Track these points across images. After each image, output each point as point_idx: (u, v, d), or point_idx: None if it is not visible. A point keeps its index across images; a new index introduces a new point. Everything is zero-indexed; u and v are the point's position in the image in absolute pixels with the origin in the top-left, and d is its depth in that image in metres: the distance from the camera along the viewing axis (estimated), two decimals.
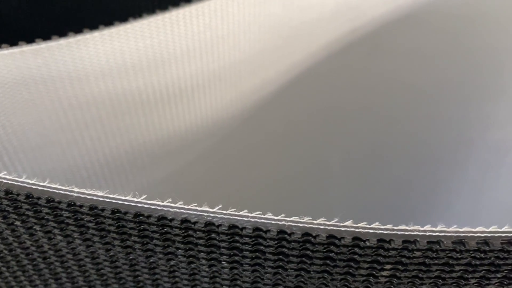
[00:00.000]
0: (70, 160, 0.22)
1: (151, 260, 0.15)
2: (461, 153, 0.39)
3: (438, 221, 0.49)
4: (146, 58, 0.20)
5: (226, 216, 0.13)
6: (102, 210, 0.13)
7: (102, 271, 0.15)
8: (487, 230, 0.12)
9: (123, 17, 0.19)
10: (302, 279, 0.14)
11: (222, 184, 0.27)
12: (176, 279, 0.15)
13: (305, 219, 0.12)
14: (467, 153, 0.39)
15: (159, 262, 0.14)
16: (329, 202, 0.37)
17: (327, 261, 0.13)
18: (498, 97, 0.35)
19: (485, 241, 0.12)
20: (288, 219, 0.12)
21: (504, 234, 0.12)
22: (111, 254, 0.14)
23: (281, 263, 0.13)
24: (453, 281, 0.13)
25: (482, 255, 0.12)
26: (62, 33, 0.18)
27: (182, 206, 0.13)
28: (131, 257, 0.14)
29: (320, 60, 0.28)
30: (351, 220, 0.12)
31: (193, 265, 0.14)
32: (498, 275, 0.14)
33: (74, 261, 0.15)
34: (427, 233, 0.12)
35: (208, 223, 0.13)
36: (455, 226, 0.13)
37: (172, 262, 0.14)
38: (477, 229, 0.13)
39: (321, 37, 0.27)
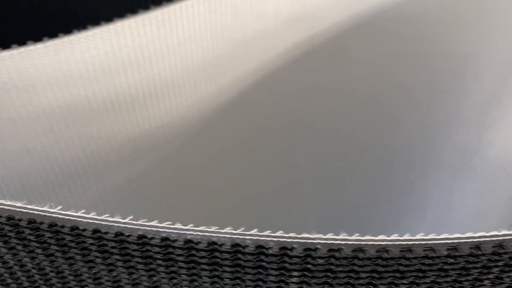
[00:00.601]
0: (24, 169, 0.22)
1: (133, 277, 0.15)
2: (431, 157, 0.40)
3: (411, 225, 0.50)
4: (93, 68, 0.21)
5: (182, 232, 0.13)
6: (83, 230, 0.13)
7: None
8: (387, 238, 0.12)
9: (67, 29, 0.19)
10: None
11: (181, 191, 0.28)
12: None
13: (213, 228, 0.12)
14: (436, 157, 0.40)
15: (141, 279, 0.15)
16: (297, 208, 0.37)
17: (257, 270, 0.13)
18: (461, 102, 0.36)
19: (385, 249, 0.12)
20: (196, 229, 0.13)
21: (401, 242, 0.12)
22: (93, 272, 0.14)
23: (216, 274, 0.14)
24: None
25: (384, 262, 0.13)
26: (5, 46, 0.18)
27: (140, 222, 0.13)
28: (114, 274, 0.14)
29: (278, 67, 0.29)
30: (256, 229, 0.12)
31: (154, 278, 0.15)
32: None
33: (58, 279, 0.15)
34: (329, 241, 0.12)
35: (164, 239, 0.13)
36: (407, 234, 0.14)
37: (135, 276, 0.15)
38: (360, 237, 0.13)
39: (278, 45, 0.28)
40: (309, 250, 0.12)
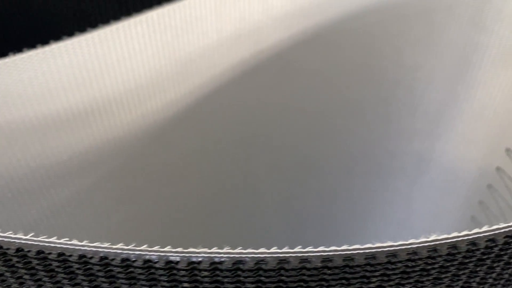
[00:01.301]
0: None
1: None
2: (389, 165, 0.41)
3: (376, 232, 0.51)
4: (31, 89, 0.22)
5: (119, 251, 0.13)
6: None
7: None
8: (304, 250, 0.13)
9: (1, 53, 0.20)
10: None
11: (130, 205, 0.28)
12: None
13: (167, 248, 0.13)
14: (394, 165, 0.41)
15: None
16: (257, 220, 0.38)
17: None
18: (412, 112, 0.37)
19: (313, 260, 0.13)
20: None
21: (365, 250, 0.13)
22: None
23: None
24: None
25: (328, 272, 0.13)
26: None
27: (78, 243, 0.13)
28: None
29: (226, 82, 0.30)
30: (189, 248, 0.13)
31: None
32: None
33: None
34: (255, 255, 0.13)
35: (103, 258, 0.13)
36: (369, 244, 0.14)
37: None
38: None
39: (224, 61, 0.28)
40: (261, 263, 0.13)
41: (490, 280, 0.16)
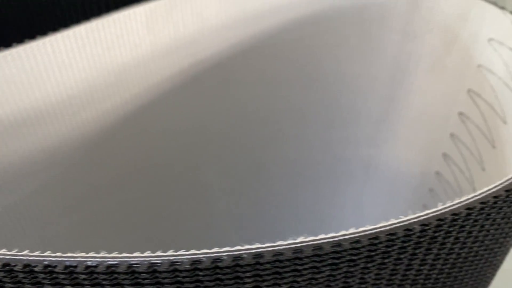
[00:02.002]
0: None
1: None
2: (339, 171, 0.42)
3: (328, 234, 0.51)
4: None
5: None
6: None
7: None
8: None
9: None
10: None
11: (73, 212, 0.29)
12: None
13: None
14: (344, 170, 0.42)
15: None
16: (207, 224, 0.39)
17: None
18: (357, 119, 0.38)
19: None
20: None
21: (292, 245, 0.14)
22: None
23: None
24: None
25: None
26: None
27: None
28: None
29: (164, 91, 0.30)
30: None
31: None
32: None
33: None
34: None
35: (47, 266, 0.14)
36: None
37: None
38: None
39: (161, 70, 0.29)
40: (198, 263, 0.14)
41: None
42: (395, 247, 0.16)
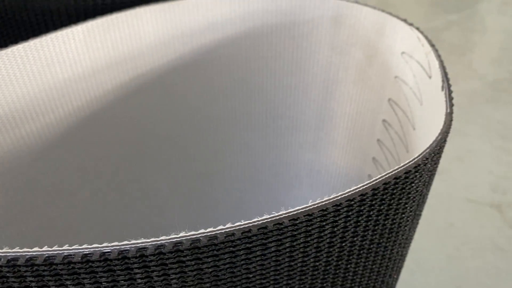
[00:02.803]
0: None
1: None
2: (286, 174, 0.44)
3: None
4: None
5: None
6: None
7: None
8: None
9: None
10: None
11: (22, 220, 0.31)
12: None
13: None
14: (290, 174, 0.44)
15: None
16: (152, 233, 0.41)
17: None
18: (298, 126, 0.40)
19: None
20: None
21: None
22: None
23: None
24: None
25: None
26: None
27: None
28: None
29: (107, 103, 0.32)
30: None
31: None
32: None
33: None
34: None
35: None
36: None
37: None
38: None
39: (103, 84, 0.31)
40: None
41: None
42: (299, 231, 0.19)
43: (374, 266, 0.23)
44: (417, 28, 0.29)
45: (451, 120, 0.23)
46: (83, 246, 0.16)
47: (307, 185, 0.44)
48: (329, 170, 0.42)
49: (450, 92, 0.24)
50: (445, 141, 0.23)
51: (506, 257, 0.78)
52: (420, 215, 0.25)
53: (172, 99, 0.35)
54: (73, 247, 0.16)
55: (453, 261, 0.78)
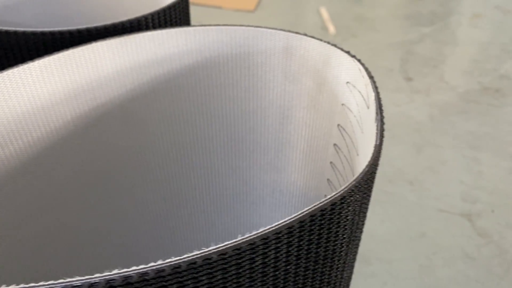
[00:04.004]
0: None
1: None
2: (250, 194, 0.46)
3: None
4: None
5: None
6: None
7: None
8: None
9: None
10: None
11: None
12: None
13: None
14: (254, 193, 0.45)
15: None
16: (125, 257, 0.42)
17: None
18: (259, 149, 0.42)
19: None
20: None
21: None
22: None
23: None
24: None
25: None
26: None
27: None
28: None
29: (68, 133, 0.34)
30: None
31: None
32: None
33: None
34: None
35: None
36: None
37: None
38: None
39: (62, 116, 0.32)
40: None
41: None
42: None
43: None
44: (359, 60, 0.31)
45: (379, 151, 0.24)
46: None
47: (270, 204, 0.45)
48: (290, 190, 0.43)
49: (382, 124, 0.25)
50: (373, 172, 0.24)
51: (476, 265, 0.80)
52: (357, 239, 0.27)
53: (133, 127, 0.37)
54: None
55: (425, 270, 0.80)
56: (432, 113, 1.06)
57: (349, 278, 0.28)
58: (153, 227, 0.44)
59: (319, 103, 0.36)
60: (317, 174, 0.39)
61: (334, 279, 0.25)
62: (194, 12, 1.41)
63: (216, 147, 0.41)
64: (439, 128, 1.02)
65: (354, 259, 0.28)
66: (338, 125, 0.34)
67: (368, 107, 0.28)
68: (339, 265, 0.25)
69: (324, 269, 0.24)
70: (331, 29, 1.31)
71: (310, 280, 0.24)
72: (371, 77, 0.29)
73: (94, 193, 0.38)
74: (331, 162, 0.37)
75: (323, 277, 0.24)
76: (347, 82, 0.32)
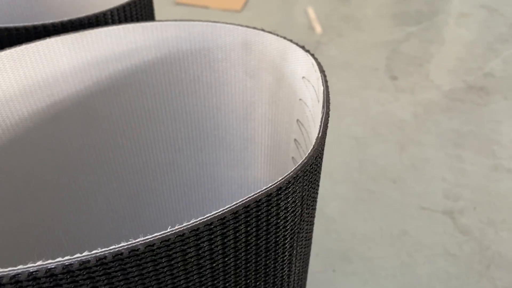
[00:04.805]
0: None
1: None
2: (219, 191, 0.45)
3: None
4: None
5: None
6: None
7: None
8: None
9: None
10: None
11: None
12: None
13: None
14: (223, 191, 0.45)
15: None
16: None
17: None
18: (224, 145, 0.41)
19: None
20: None
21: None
22: None
23: None
24: None
25: None
26: None
27: None
28: None
29: (24, 130, 0.33)
30: None
31: None
32: None
33: None
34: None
35: None
36: None
37: None
38: None
39: (18, 112, 0.32)
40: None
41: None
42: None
43: (258, 284, 0.25)
44: (312, 55, 0.31)
45: (321, 144, 0.24)
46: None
47: (233, 200, 0.45)
48: (257, 187, 0.43)
49: (326, 117, 0.25)
50: (314, 164, 0.24)
51: (457, 262, 0.80)
52: (305, 231, 0.27)
53: (93, 125, 0.36)
54: None
55: (406, 268, 0.80)
56: (416, 111, 1.06)
57: (302, 273, 0.28)
58: (120, 226, 0.44)
59: (279, 99, 0.36)
60: (281, 169, 0.39)
61: (281, 273, 0.25)
62: (181, 12, 1.41)
63: (182, 144, 0.41)
64: (423, 127, 1.02)
65: (306, 253, 0.28)
66: (297, 120, 0.34)
67: (318, 101, 0.28)
68: (285, 258, 0.25)
69: (267, 262, 0.24)
70: (318, 29, 1.31)
71: (253, 273, 0.24)
72: (322, 71, 0.29)
73: (54, 192, 0.38)
74: (292, 157, 0.37)
75: (267, 270, 0.24)
76: (303, 77, 0.32)
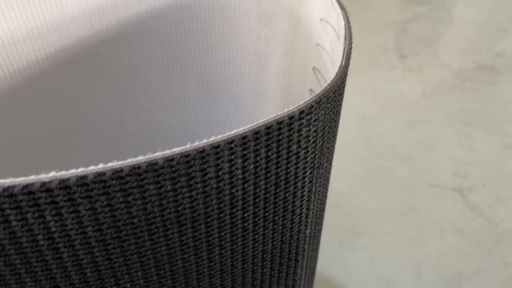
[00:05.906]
0: None
1: None
2: None
3: None
4: None
5: None
6: None
7: None
8: None
9: None
10: None
11: None
12: None
13: None
14: None
15: None
16: None
17: None
18: (235, 102, 0.40)
19: None
20: None
21: None
22: None
23: None
24: None
25: None
26: None
27: None
28: None
29: (32, 75, 0.32)
30: None
31: None
32: None
33: None
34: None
35: None
36: None
37: None
38: None
39: (26, 56, 0.31)
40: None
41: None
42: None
43: (277, 219, 0.24)
44: None
45: (345, 72, 0.23)
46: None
47: None
48: None
49: (349, 47, 0.24)
50: (337, 92, 0.23)
51: (467, 238, 0.80)
52: (324, 169, 0.26)
53: (102, 74, 0.35)
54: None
55: (415, 243, 0.79)
56: (425, 90, 1.05)
57: (319, 217, 0.28)
58: None
59: (293, 47, 0.35)
60: None
61: (300, 210, 0.24)
62: None
63: (190, 101, 0.40)
64: (431, 105, 1.01)
65: (324, 195, 0.27)
66: (313, 68, 0.33)
67: (338, 38, 0.27)
68: (304, 194, 0.24)
69: (287, 195, 0.23)
70: None
71: (272, 206, 0.23)
72: (342, 8, 0.28)
73: (62, 144, 0.37)
74: None
75: (286, 205, 0.23)
76: (321, 19, 0.31)
